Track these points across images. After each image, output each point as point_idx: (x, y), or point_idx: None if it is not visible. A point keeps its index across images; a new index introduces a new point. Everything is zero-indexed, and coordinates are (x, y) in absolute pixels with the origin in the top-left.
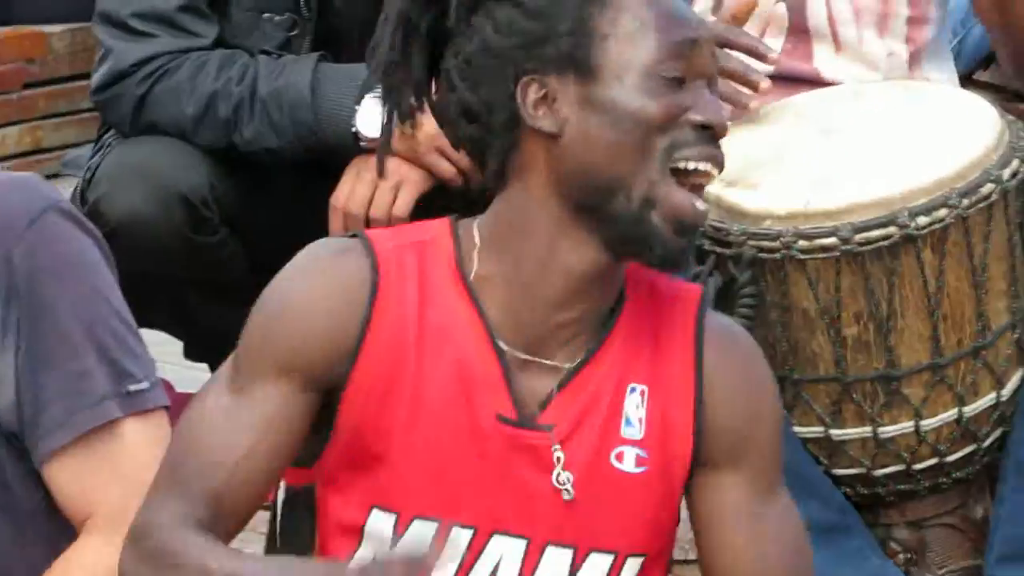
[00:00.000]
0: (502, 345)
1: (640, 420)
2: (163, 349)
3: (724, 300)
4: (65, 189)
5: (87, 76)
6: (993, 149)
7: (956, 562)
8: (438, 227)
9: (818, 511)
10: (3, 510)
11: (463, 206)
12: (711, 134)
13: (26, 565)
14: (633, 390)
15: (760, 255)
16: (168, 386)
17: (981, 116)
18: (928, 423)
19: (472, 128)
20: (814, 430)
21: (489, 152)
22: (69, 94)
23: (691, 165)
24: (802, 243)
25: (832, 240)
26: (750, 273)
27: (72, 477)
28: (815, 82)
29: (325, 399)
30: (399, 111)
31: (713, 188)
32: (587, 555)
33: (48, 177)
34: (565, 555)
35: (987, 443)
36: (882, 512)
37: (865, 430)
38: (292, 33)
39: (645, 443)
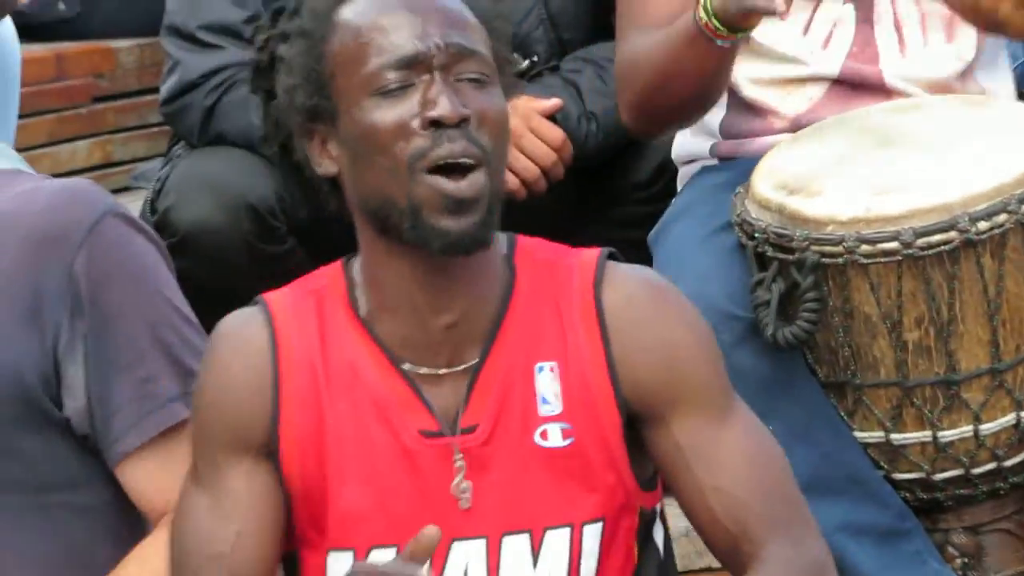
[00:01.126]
0: (405, 367)
1: (556, 395)
2: None
3: (787, 305)
4: (135, 202)
5: (155, 90)
6: None
7: (1013, 567)
8: (332, 271)
9: (877, 515)
10: (75, 510)
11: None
12: (447, 123)
13: (100, 561)
14: (542, 369)
15: (823, 260)
16: None
17: None
18: (987, 427)
19: (313, 180)
20: (875, 435)
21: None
22: (138, 108)
23: (439, 164)
24: (864, 248)
25: (894, 244)
26: (813, 278)
27: (146, 476)
28: (877, 88)
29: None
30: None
31: (775, 196)
32: (543, 534)
33: (118, 191)
34: (523, 540)
35: None
36: (940, 517)
37: (925, 434)
38: None
39: (566, 416)
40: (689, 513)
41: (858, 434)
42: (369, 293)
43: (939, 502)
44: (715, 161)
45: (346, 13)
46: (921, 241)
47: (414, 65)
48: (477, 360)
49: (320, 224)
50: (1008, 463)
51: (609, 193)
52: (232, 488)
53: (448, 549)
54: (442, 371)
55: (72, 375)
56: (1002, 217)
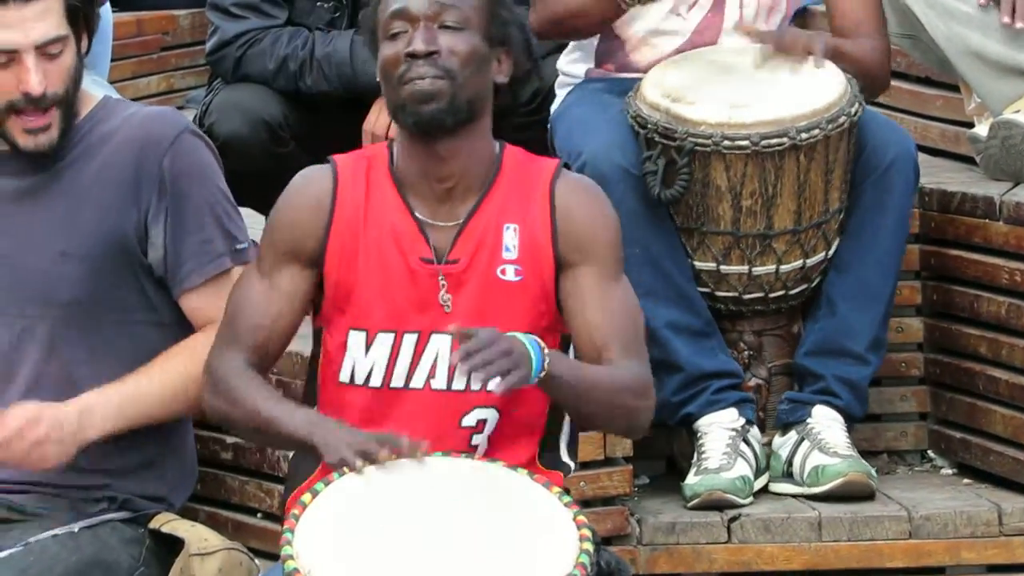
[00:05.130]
0: (418, 215)
1: (515, 246)
2: (252, 221)
3: (668, 174)
4: (188, 116)
5: (202, 43)
6: (844, 94)
7: (780, 359)
8: (381, 145)
9: (692, 320)
10: (151, 324)
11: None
12: (417, 55)
13: (162, 350)
14: (508, 228)
15: (696, 148)
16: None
17: (834, 73)
18: (784, 268)
19: None
20: (709, 265)
21: None
22: (191, 55)
23: (410, 81)
24: (726, 143)
25: (746, 143)
26: (687, 159)
27: (199, 304)
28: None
29: (318, 271)
30: None
31: (663, 101)
32: None
33: (176, 108)
34: None
35: (814, 284)
36: (739, 323)
37: (743, 268)
38: (336, 15)
39: (519, 261)
40: (574, 331)
41: (698, 263)
42: (400, 162)
43: (742, 313)
44: (582, 79)
45: None
46: (763, 142)
47: (407, 17)
48: (464, 218)
49: (311, 133)
50: (792, 292)
51: (505, 108)
52: (282, 282)
53: (428, 339)
54: (440, 223)
55: (155, 235)
56: (816, 132)
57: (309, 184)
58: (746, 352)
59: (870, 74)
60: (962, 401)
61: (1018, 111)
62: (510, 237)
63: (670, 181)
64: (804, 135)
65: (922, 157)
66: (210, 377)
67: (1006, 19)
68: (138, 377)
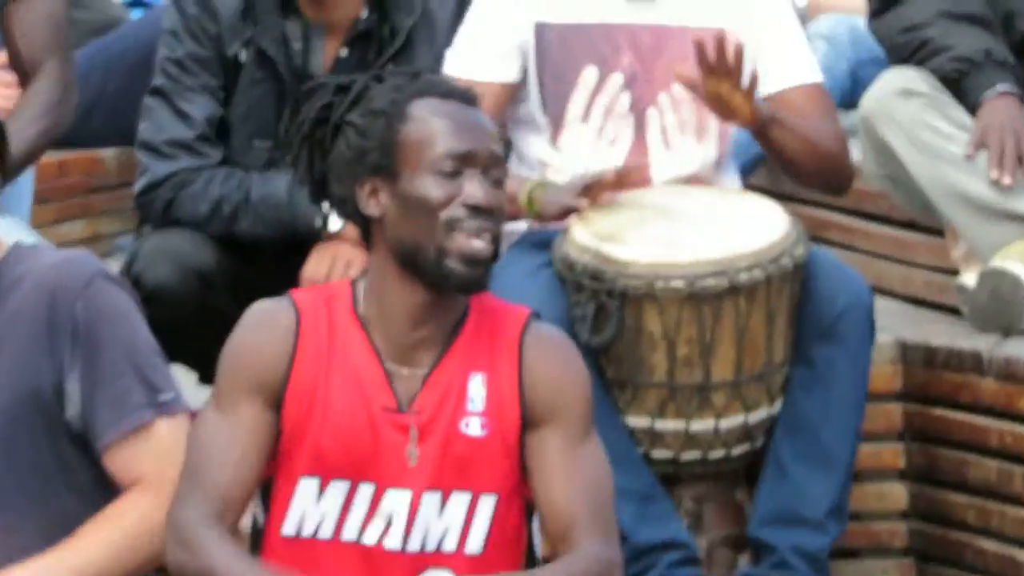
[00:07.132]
0: (384, 360)
1: (482, 397)
2: (183, 378)
3: (597, 320)
4: (115, 265)
5: (130, 184)
6: (789, 234)
7: (721, 529)
8: (341, 285)
9: (636, 483)
10: (68, 485)
11: None
12: (481, 209)
13: (85, 522)
14: (475, 376)
15: (627, 290)
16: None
17: (775, 211)
18: (724, 424)
19: (344, 212)
20: (643, 422)
21: (359, 228)
22: (118, 198)
23: (466, 233)
24: (660, 283)
25: (681, 284)
26: (618, 303)
27: (124, 460)
28: (646, 180)
29: (277, 413)
30: (338, 210)
31: (592, 243)
32: (450, 494)
33: (102, 256)
34: (435, 497)
35: (759, 445)
36: (674, 489)
37: (680, 425)
38: (273, 154)
39: (486, 413)
40: (539, 503)
41: (631, 419)
42: (370, 303)
43: (680, 477)
44: (524, 232)
45: (419, 107)
46: (699, 284)
47: (466, 159)
48: (429, 366)
49: (246, 281)
50: (734, 452)
51: None
52: (244, 420)
53: (383, 492)
54: (405, 369)
55: (71, 388)
56: (757, 272)
57: (272, 315)
58: (686, 520)
59: (825, 155)
60: (949, 575)
61: (1008, 258)
62: (476, 388)
63: (600, 327)
64: (745, 276)
65: (905, 308)
66: (172, 530)
67: (994, 173)
68: (60, 550)
